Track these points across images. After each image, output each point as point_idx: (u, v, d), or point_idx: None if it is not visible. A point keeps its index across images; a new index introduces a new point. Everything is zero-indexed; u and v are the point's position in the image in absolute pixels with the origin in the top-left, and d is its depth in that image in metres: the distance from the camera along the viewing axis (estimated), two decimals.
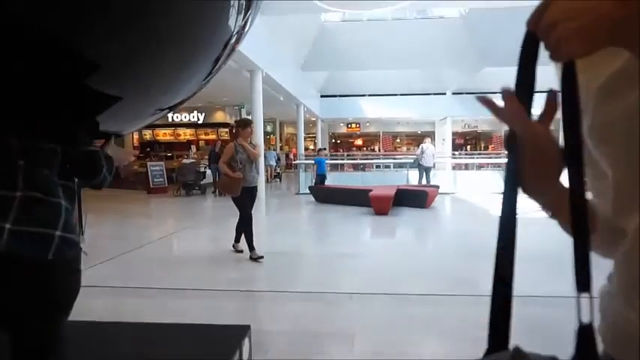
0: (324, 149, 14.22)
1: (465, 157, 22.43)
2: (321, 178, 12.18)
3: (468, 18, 19.05)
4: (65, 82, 1.12)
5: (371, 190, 9.45)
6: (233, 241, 5.64)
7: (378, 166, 19.97)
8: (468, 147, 31.52)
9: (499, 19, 15.89)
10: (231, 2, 1.24)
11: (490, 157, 20.98)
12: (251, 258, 5.23)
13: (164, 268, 5.10)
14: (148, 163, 14.41)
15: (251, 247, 5.30)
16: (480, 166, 18.44)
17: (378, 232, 7.76)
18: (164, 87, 1.35)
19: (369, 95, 26.41)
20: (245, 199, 5.31)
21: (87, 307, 3.73)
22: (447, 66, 21.62)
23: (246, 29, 1.45)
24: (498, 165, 17.82)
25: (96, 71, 1.12)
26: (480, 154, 24.10)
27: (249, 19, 1.42)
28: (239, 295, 4.03)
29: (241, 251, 5.49)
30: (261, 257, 5.22)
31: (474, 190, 13.23)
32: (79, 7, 0.96)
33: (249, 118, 4.79)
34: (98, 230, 6.92)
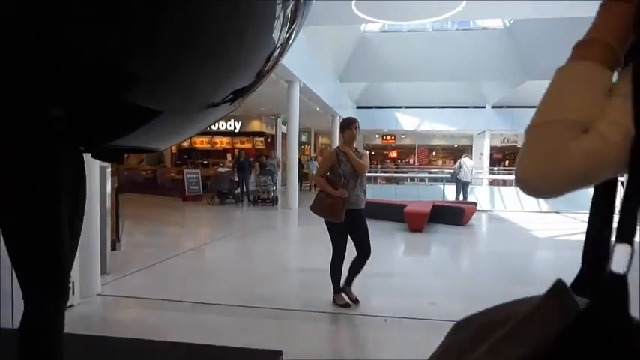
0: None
1: (504, 173, 21.74)
2: None
3: (512, 29, 18.55)
4: (108, 97, 1.07)
5: (405, 206, 9.22)
6: (333, 292, 4.05)
7: (412, 180, 19.62)
8: (507, 162, 30.59)
9: (544, 31, 15.39)
10: (277, 15, 1.15)
11: None
12: (335, 302, 4.02)
13: (196, 280, 5.07)
14: (185, 171, 14.65)
15: (337, 288, 4.05)
16: None
17: (412, 250, 7.52)
18: (204, 101, 1.28)
19: (406, 107, 26.11)
20: (346, 227, 3.99)
21: (116, 319, 3.74)
22: (488, 78, 21.11)
23: (290, 42, 1.36)
24: None
25: (137, 86, 1.07)
26: None
27: (294, 32, 1.33)
28: (269, 314, 3.92)
29: (349, 305, 4.00)
30: (353, 302, 4.02)
31: (513, 207, 12.74)
32: (125, 25, 0.92)
33: (353, 117, 4.10)
34: (133, 237, 7.00)
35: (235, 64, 1.20)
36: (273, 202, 12.94)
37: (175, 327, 3.48)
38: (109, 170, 4.78)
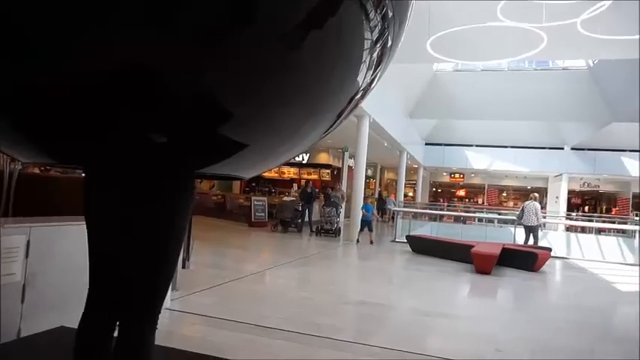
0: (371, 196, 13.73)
1: (583, 219, 20.28)
2: (366, 224, 11.98)
3: (596, 70, 17.68)
4: (207, 130, 1.21)
5: (473, 246, 8.89)
6: None
7: (480, 220, 18.85)
8: (586, 208, 28.58)
9: (631, 71, 14.52)
10: (364, 59, 1.24)
11: (613, 222, 18.66)
12: None
13: (258, 303, 5.20)
14: (252, 198, 15.18)
15: None
16: (600, 231, 16.46)
17: (479, 293, 7.20)
18: (286, 138, 1.39)
19: (477, 145, 25.41)
20: None
21: (183, 334, 3.92)
22: (568, 119, 20.14)
23: (372, 85, 1.45)
24: (623, 231, 15.82)
25: (230, 121, 1.19)
26: (600, 216, 21.66)
27: (378, 76, 1.41)
28: (328, 344, 3.92)
29: None
30: None
31: (593, 257, 11.82)
32: (224, 66, 1.04)
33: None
34: (201, 257, 7.32)
35: (319, 105, 1.30)
36: (336, 233, 13.00)
37: (237, 347, 3.59)
38: None
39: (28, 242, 2.87)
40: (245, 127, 1.24)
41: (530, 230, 11.51)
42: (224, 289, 5.65)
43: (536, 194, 12.07)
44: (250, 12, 0.98)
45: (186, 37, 0.98)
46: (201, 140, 1.25)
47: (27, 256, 2.86)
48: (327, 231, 13.03)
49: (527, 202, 11.67)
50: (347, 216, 15.18)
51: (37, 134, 1.27)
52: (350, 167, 18.61)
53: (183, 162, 1.38)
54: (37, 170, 4.47)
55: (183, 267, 5.71)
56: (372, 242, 11.81)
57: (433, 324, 4.84)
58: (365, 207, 12.27)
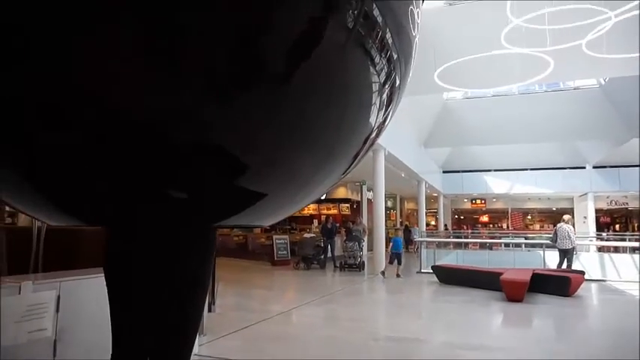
0: (400, 228, 13.51)
1: (615, 239, 19.62)
2: (396, 256, 11.85)
3: (608, 87, 17.59)
4: (224, 183, 1.25)
5: (502, 273, 8.66)
6: None
7: (507, 245, 18.40)
8: (617, 226, 27.69)
9: None
10: (373, 101, 1.28)
11: None
12: None
13: (286, 345, 5.12)
14: (274, 237, 15.19)
15: None
16: (634, 249, 15.84)
17: (512, 322, 6.96)
18: (304, 185, 1.43)
19: (495, 170, 25.19)
20: None
21: None
22: (586, 138, 19.89)
23: (386, 124, 1.48)
24: None
25: (246, 172, 1.23)
26: (633, 234, 20.93)
27: (390, 114, 1.45)
28: None
29: None
30: None
31: (629, 277, 11.36)
32: (235, 121, 1.09)
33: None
34: (226, 300, 7.30)
35: (335, 150, 1.34)
36: (360, 267, 12.86)
37: None
38: None
39: (58, 297, 2.93)
40: (262, 178, 1.27)
41: (565, 253, 11.13)
42: (251, 331, 5.60)
43: (569, 216, 11.73)
44: (259, 69, 1.03)
45: (198, 95, 1.02)
46: (220, 193, 1.28)
47: (57, 310, 2.91)
48: (351, 265, 12.92)
49: (559, 225, 11.31)
50: (370, 249, 15.03)
51: (59, 199, 1.30)
52: (369, 200, 18.57)
53: (203, 216, 1.42)
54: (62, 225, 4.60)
55: (210, 311, 5.69)
56: (398, 275, 11.61)
57: (466, 357, 4.68)
58: (394, 239, 12.15)
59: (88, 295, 3.11)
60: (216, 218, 1.48)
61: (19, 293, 2.72)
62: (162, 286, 1.60)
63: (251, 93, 1.05)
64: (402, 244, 12.43)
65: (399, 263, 11.83)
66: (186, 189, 1.23)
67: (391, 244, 12.09)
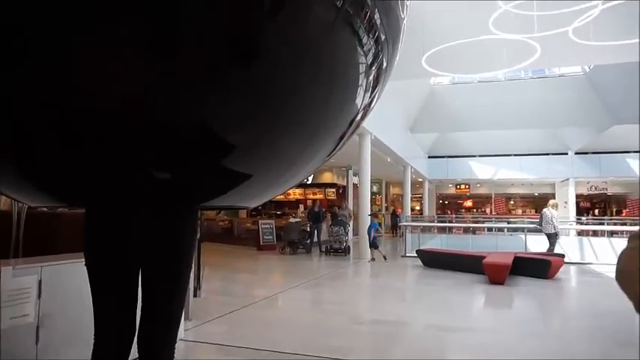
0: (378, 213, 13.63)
1: (594, 223, 20.06)
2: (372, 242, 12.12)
3: (593, 74, 17.78)
4: (210, 164, 1.22)
5: (484, 257, 8.80)
6: None
7: (490, 230, 18.69)
8: (596, 211, 28.30)
9: (628, 74, 14.58)
10: (360, 83, 1.27)
11: (625, 223, 18.42)
12: None
13: (271, 329, 5.15)
14: (259, 222, 15.17)
15: None
16: (612, 233, 16.24)
17: (494, 304, 7.10)
18: (289, 165, 1.41)
19: (480, 156, 25.43)
20: None
21: None
22: (569, 124, 20.17)
23: (371, 106, 1.47)
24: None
25: (232, 153, 1.21)
26: (611, 219, 21.39)
27: (376, 97, 1.44)
28: None
29: None
30: None
31: (607, 260, 11.65)
32: (226, 100, 1.07)
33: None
34: (212, 285, 7.29)
35: (320, 130, 1.33)
36: (345, 251, 12.95)
37: None
38: None
39: (40, 282, 2.88)
40: (247, 158, 1.25)
41: (549, 237, 11.34)
42: (237, 315, 5.61)
43: (554, 201, 11.93)
44: (245, 47, 1.00)
45: (185, 74, 1.00)
46: (205, 173, 1.26)
47: (39, 296, 2.87)
48: (337, 250, 13.00)
49: (544, 210, 11.52)
50: (355, 234, 15.13)
51: (42, 179, 1.28)
52: (355, 185, 18.63)
53: (187, 197, 1.40)
54: (43, 209, 4.51)
55: (195, 295, 5.68)
56: (385, 258, 11.78)
57: (453, 339, 4.77)
58: (371, 224, 12.27)
59: (71, 280, 3.06)
60: (200, 199, 1.46)
61: None
62: (145, 268, 1.58)
63: (236, 72, 1.03)
64: (377, 229, 12.52)
65: (376, 248, 12.02)
66: (170, 169, 1.21)
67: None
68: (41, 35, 0.89)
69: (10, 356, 2.68)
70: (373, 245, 12.05)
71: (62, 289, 3.03)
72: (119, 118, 1.04)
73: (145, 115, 1.05)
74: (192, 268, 5.15)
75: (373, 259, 11.87)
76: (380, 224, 20.84)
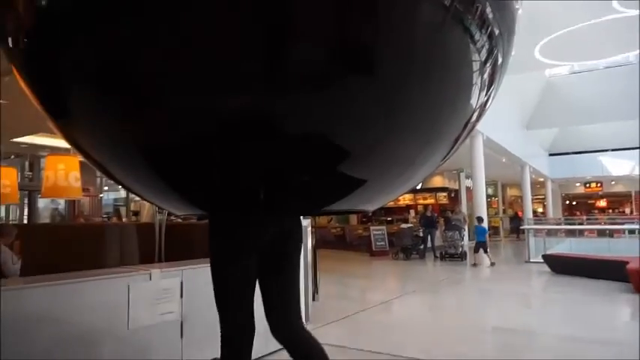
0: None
1: None
2: (481, 245, 11.62)
3: None
4: (328, 171, 1.30)
5: (627, 262, 7.81)
6: None
7: (632, 232, 16.45)
8: None
9: None
10: (474, 81, 1.25)
11: None
12: None
13: (392, 333, 5.13)
14: (371, 228, 15.24)
15: None
16: None
17: None
18: (403, 170, 1.43)
19: (613, 150, 22.66)
20: None
21: None
22: None
23: (487, 105, 1.43)
24: None
25: (349, 160, 1.26)
26: None
27: (492, 95, 1.40)
28: None
29: None
30: None
31: None
32: (343, 109, 1.13)
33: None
34: (328, 290, 7.49)
35: (434, 134, 1.32)
36: (462, 257, 12.48)
37: None
38: (309, 229, 5.36)
39: (182, 283, 3.26)
40: (362, 164, 1.29)
41: None
42: (355, 319, 5.70)
43: None
44: (356, 54, 1.05)
45: (299, 86, 1.06)
46: (323, 180, 1.33)
47: (182, 295, 3.24)
48: (452, 255, 12.63)
49: None
50: (471, 238, 14.45)
51: (188, 190, 1.45)
52: (468, 188, 17.80)
53: (308, 201, 1.48)
54: (179, 220, 5.08)
55: (313, 300, 5.89)
56: (492, 264, 11.31)
57: (592, 353, 4.31)
58: (477, 228, 11.97)
59: (207, 282, 3.40)
60: (320, 204, 1.54)
61: (150, 280, 3.07)
62: (264, 273, 1.76)
63: (350, 79, 1.07)
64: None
65: (485, 252, 11.50)
66: (290, 175, 1.29)
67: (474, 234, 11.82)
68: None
69: (161, 348, 3.07)
70: (479, 248, 11.62)
71: (200, 290, 3.38)
72: (247, 133, 1.13)
73: (272, 129, 1.13)
74: (310, 273, 5.37)
75: (493, 264, 11.28)
76: (497, 227, 19.69)
